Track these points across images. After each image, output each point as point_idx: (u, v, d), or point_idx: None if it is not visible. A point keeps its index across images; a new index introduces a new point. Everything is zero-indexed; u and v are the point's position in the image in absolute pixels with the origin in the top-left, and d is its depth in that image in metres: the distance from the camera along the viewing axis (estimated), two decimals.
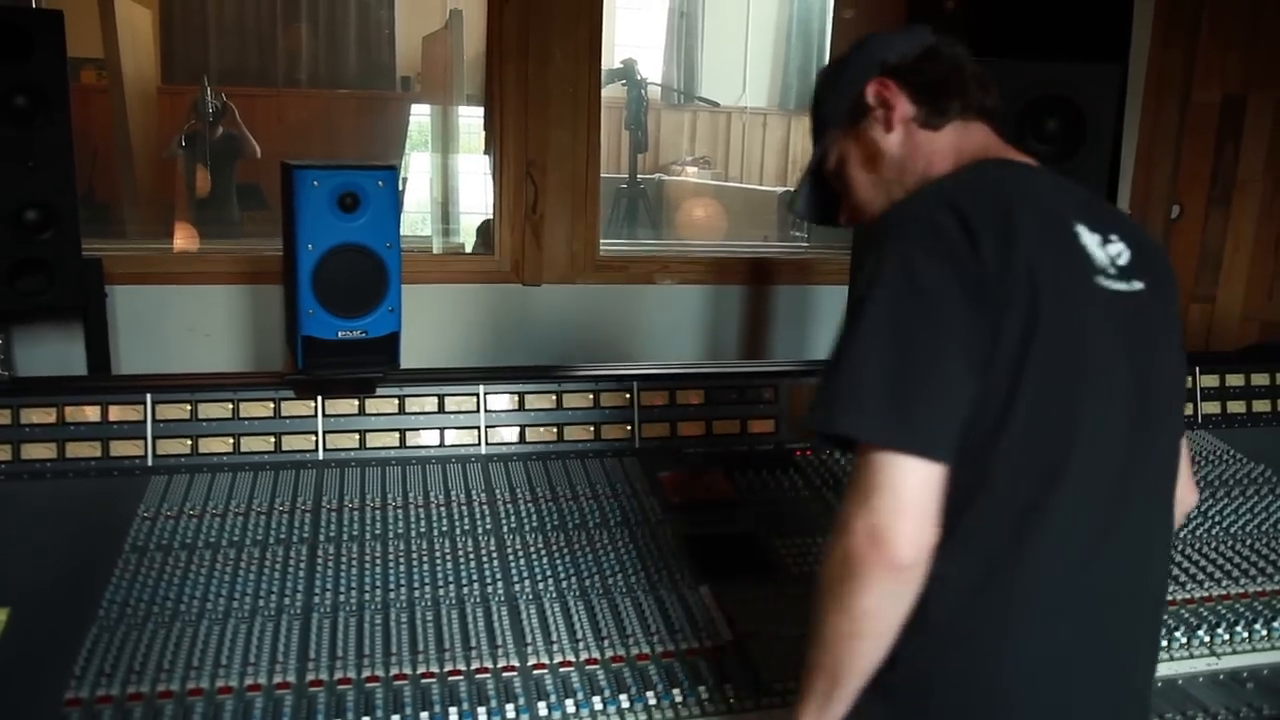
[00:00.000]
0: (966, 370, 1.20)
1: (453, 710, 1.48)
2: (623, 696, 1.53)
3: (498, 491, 2.04)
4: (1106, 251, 1.31)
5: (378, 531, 1.88)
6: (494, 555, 1.83)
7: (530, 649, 1.60)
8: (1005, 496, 1.23)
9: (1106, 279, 1.28)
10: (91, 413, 2.04)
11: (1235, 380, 2.57)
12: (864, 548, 1.18)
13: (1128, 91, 2.61)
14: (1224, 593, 1.90)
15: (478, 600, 1.71)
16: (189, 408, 2.06)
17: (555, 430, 2.20)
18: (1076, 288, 1.26)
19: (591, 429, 2.21)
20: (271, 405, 2.09)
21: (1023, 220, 1.24)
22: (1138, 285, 1.31)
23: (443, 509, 1.97)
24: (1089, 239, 1.30)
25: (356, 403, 2.12)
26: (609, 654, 1.61)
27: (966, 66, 1.47)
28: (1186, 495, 1.47)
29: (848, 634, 1.22)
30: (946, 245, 1.21)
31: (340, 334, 2.03)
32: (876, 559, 1.18)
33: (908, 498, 1.18)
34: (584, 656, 1.60)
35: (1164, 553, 1.40)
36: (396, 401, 2.14)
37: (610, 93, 6.11)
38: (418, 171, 5.83)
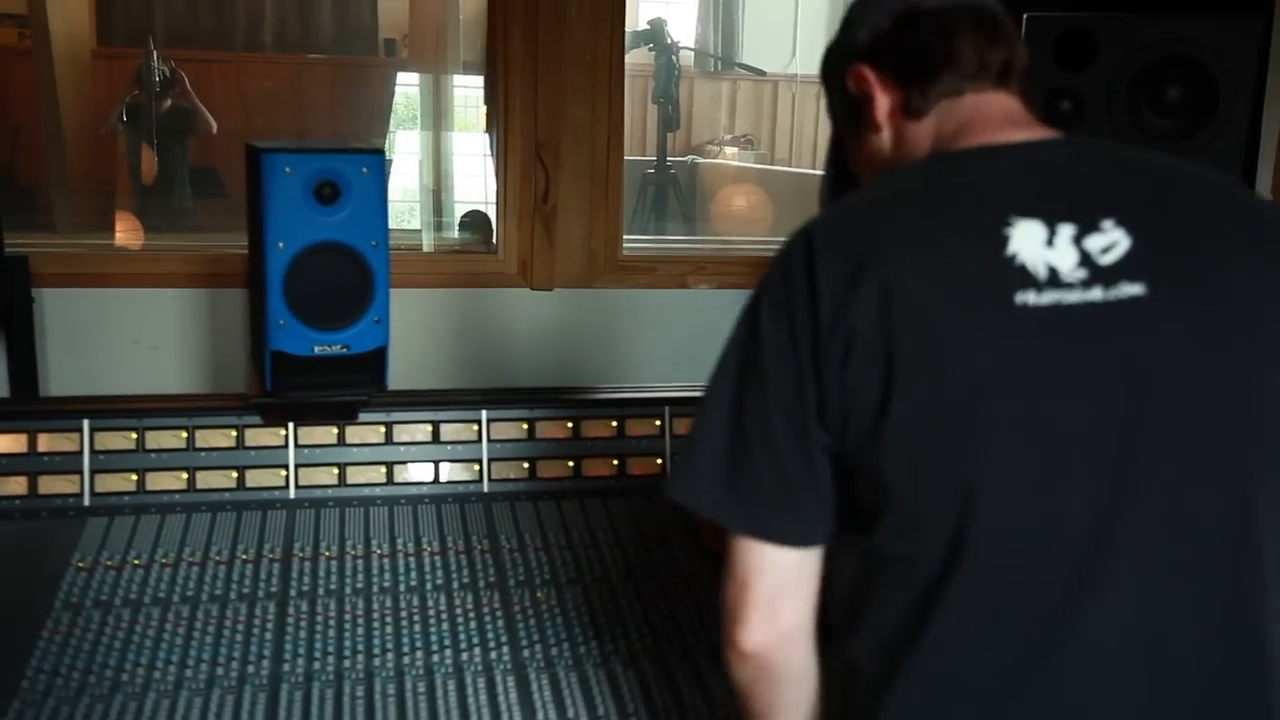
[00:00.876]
0: (796, 443, 1.23)
1: None
2: None
3: (503, 537, 2.05)
4: (1079, 248, 1.21)
5: (359, 585, 1.89)
6: (498, 614, 1.84)
7: None
8: (902, 577, 1.23)
9: (1048, 291, 1.18)
10: (15, 442, 2.06)
11: None
12: (722, 625, 1.30)
13: (1271, 51, 2.59)
14: None
15: (479, 668, 1.71)
16: (134, 436, 2.08)
17: (571, 464, 2.21)
18: (971, 315, 1.19)
19: (615, 463, 2.23)
20: (233, 433, 2.11)
21: (888, 244, 1.21)
22: (1130, 290, 1.19)
23: (437, 558, 1.98)
24: (1029, 240, 1.21)
25: (335, 431, 2.14)
26: None
27: (959, 21, 1.36)
28: None
29: (742, 712, 1.37)
30: (787, 292, 1.24)
31: (317, 349, 2.04)
32: (725, 640, 1.30)
33: (751, 581, 1.27)
34: None
35: (1204, 665, 1.22)
36: (383, 429, 2.16)
37: (635, 59, 6.13)
38: (404, 153, 5.87)
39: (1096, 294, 1.19)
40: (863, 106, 1.42)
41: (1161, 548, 1.19)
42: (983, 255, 1.20)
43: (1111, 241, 1.21)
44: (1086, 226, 1.22)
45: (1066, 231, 1.21)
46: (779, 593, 1.27)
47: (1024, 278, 1.19)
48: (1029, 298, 1.18)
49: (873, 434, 1.19)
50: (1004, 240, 1.20)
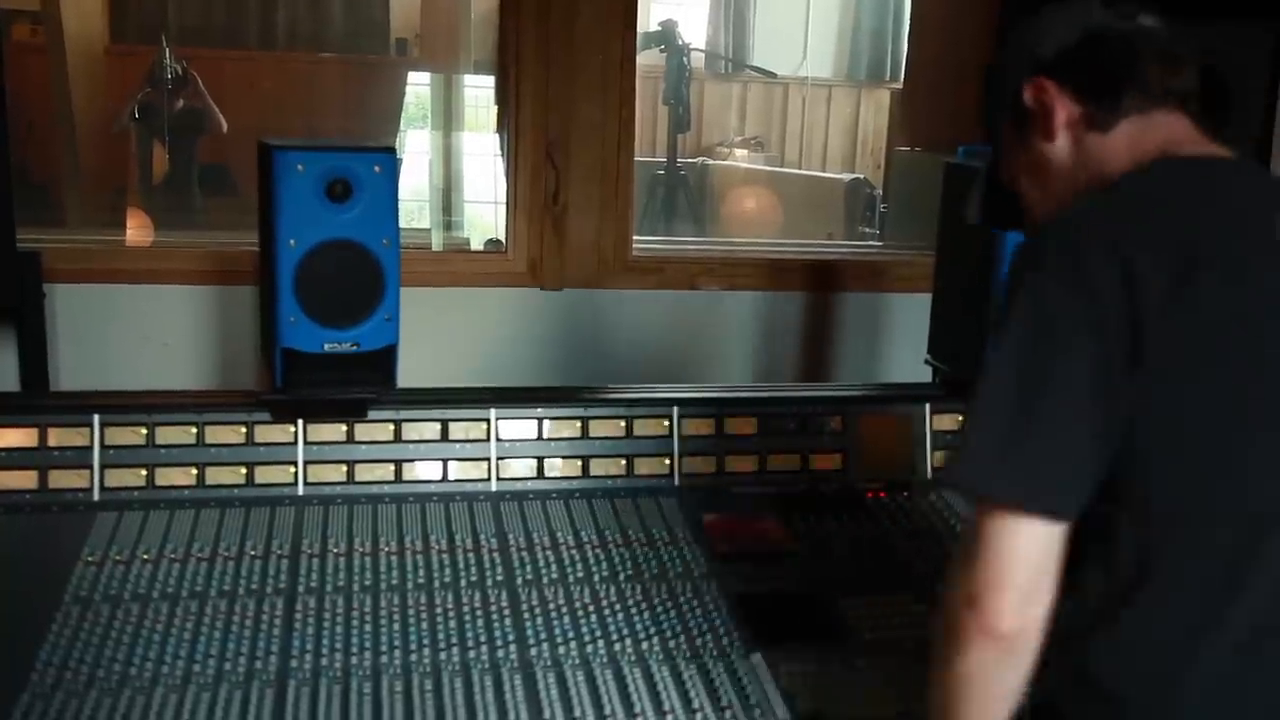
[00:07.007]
0: (1088, 428, 1.28)
1: None
2: None
3: (511, 536, 2.05)
4: None
5: (367, 582, 1.90)
6: (506, 612, 1.84)
7: None
8: (1204, 554, 1.29)
9: None
10: (26, 436, 2.06)
11: None
12: (961, 611, 1.31)
13: None
14: None
15: (486, 666, 1.72)
16: (144, 432, 2.09)
17: (579, 464, 2.22)
18: None
19: (623, 463, 2.23)
20: (243, 430, 2.11)
21: (1208, 240, 1.30)
22: None
23: (445, 556, 1.98)
24: None
25: (344, 428, 2.14)
26: None
27: (1143, 47, 1.47)
28: None
29: (948, 697, 1.36)
30: (1090, 285, 1.28)
31: (327, 346, 2.05)
32: (973, 625, 1.30)
33: (1012, 562, 1.29)
34: None
35: None
36: (392, 427, 2.15)
37: (646, 60, 6.14)
38: (415, 151, 5.87)
39: None
40: (1038, 116, 1.50)
41: None
42: (1275, 241, 1.31)
43: None
44: None
45: None
46: (1044, 569, 1.31)
47: None
48: None
49: (1186, 406, 1.27)
50: None
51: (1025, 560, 1.29)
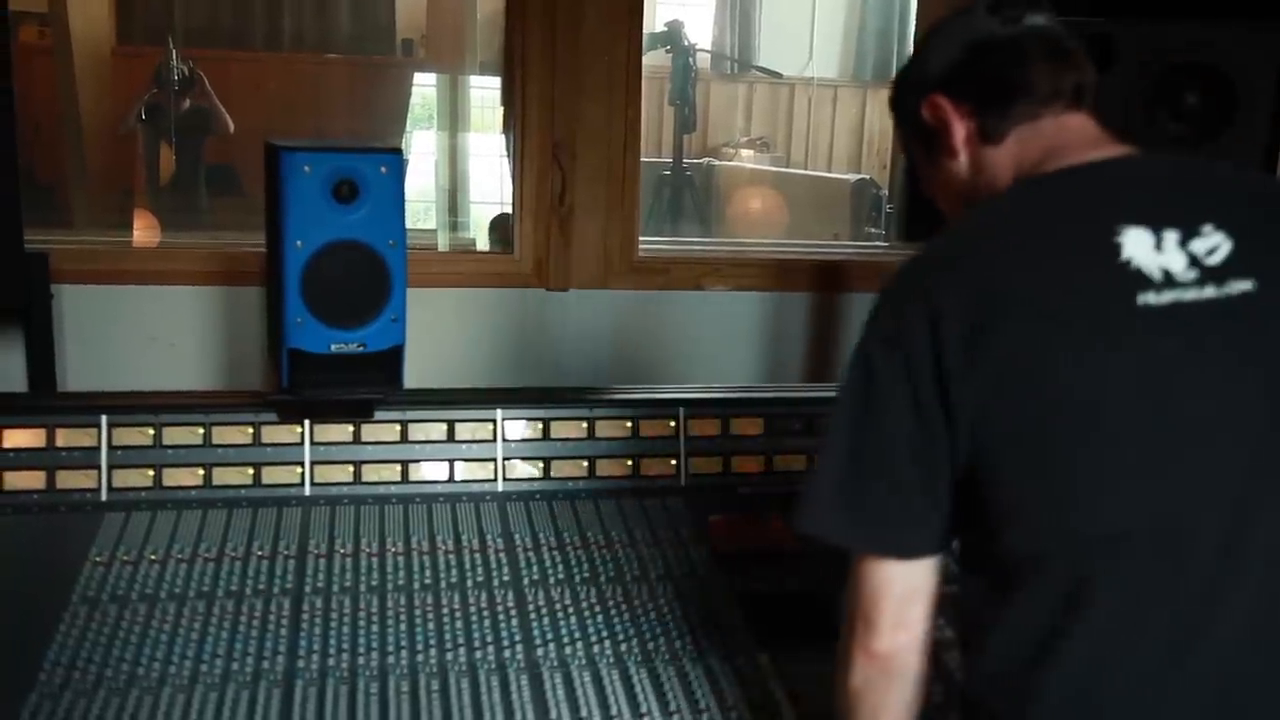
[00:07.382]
0: (914, 462, 1.31)
1: None
2: None
3: (517, 536, 2.05)
4: (1185, 252, 1.28)
5: (374, 582, 1.90)
6: (512, 612, 1.84)
7: None
8: (1047, 576, 1.28)
9: (1166, 291, 1.26)
10: (34, 437, 2.07)
11: None
12: (847, 631, 1.39)
13: None
14: None
15: (492, 666, 1.72)
16: (151, 432, 2.09)
17: (585, 464, 2.21)
18: (1097, 319, 1.27)
19: (629, 463, 2.23)
20: (250, 430, 2.11)
21: (1003, 266, 1.30)
22: (1239, 287, 1.27)
23: (452, 556, 1.98)
24: (1139, 246, 1.28)
25: (351, 429, 2.14)
26: None
27: (1030, 48, 1.45)
28: None
29: (844, 708, 1.42)
30: (904, 335, 1.31)
31: (333, 347, 2.05)
32: (854, 643, 1.38)
33: (878, 593, 1.35)
34: None
35: None
36: (398, 428, 2.16)
37: (652, 60, 6.13)
38: (421, 153, 5.88)
39: (1210, 291, 1.26)
40: (939, 134, 1.50)
41: None
42: (1099, 263, 1.28)
43: (1214, 244, 1.29)
44: (1189, 232, 1.29)
45: (1172, 237, 1.29)
46: (908, 600, 1.35)
47: (1142, 280, 1.26)
48: (1149, 298, 1.26)
49: (1002, 443, 1.27)
50: (1116, 248, 1.28)
51: (889, 592, 1.34)
